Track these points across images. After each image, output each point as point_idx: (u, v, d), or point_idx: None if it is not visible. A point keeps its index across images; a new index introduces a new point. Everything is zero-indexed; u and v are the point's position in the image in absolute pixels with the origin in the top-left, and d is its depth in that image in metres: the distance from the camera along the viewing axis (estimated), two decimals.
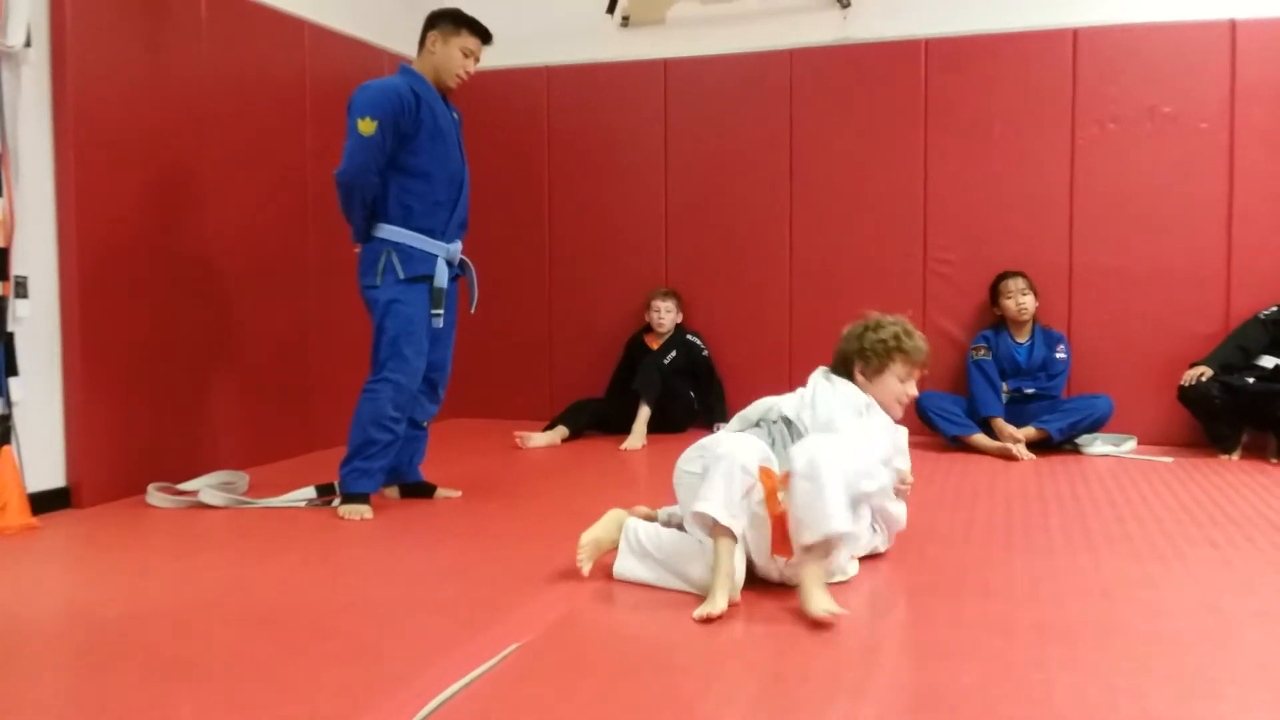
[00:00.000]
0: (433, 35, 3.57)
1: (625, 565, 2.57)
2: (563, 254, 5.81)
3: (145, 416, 3.81)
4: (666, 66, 5.57)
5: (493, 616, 2.31)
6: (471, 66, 3.64)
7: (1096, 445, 4.71)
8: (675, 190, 5.60)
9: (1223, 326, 4.79)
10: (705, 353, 5.40)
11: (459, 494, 3.76)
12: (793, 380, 5.29)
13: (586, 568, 2.55)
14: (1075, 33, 4.98)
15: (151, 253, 3.85)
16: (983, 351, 4.91)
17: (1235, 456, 4.53)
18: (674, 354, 5.30)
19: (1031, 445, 4.64)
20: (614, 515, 2.66)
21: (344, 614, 2.36)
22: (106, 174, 3.65)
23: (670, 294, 5.44)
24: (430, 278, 3.53)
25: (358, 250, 3.59)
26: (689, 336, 5.40)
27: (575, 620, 2.33)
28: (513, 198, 5.86)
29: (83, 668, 2.09)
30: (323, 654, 2.10)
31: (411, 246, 3.49)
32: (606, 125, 5.69)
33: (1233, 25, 4.78)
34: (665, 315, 5.36)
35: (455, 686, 1.87)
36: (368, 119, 3.37)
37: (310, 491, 3.63)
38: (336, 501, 3.53)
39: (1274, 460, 4.43)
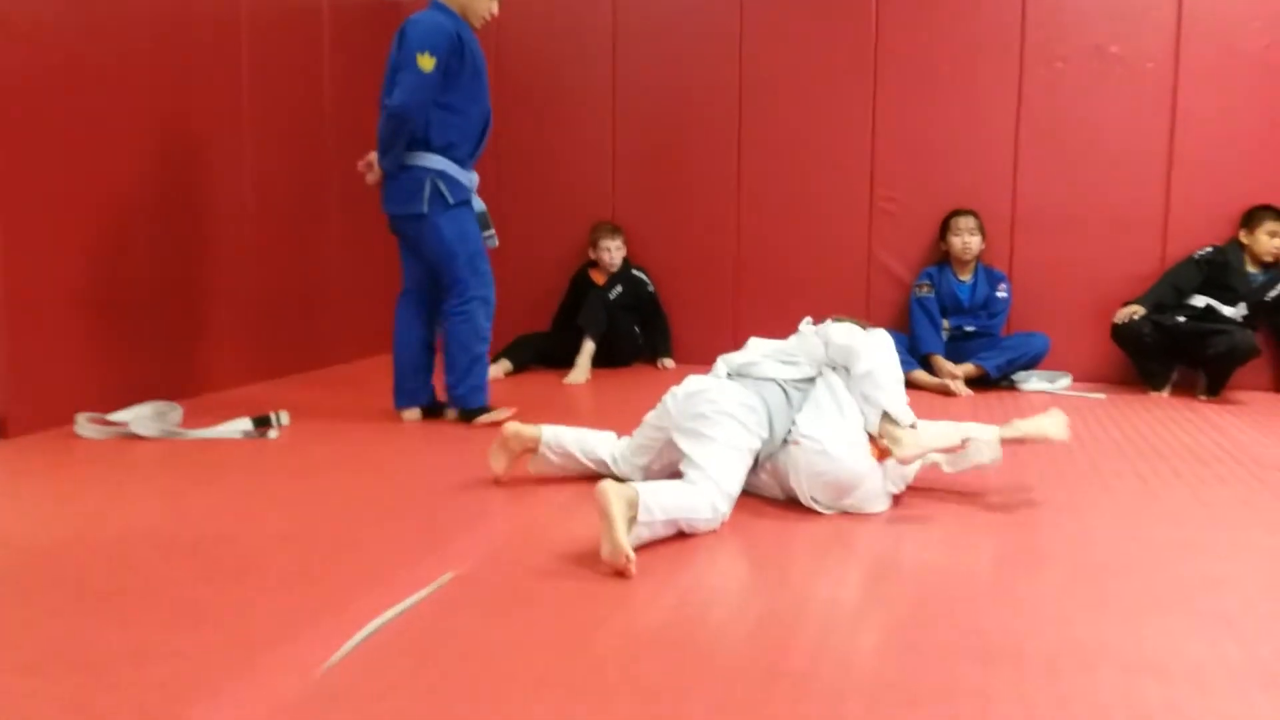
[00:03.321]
0: None
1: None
2: (508, 187, 5.70)
3: (75, 345, 3.70)
4: (615, 1, 5.45)
5: (428, 547, 2.30)
6: (496, 8, 3.79)
7: (1032, 382, 4.79)
8: (623, 125, 5.52)
9: (1159, 267, 4.87)
10: (651, 288, 5.38)
11: (511, 412, 3.77)
12: (737, 315, 5.36)
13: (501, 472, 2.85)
14: None
15: (80, 178, 3.70)
16: (925, 289, 4.94)
17: (1165, 393, 4.64)
18: (620, 289, 5.26)
19: (970, 382, 4.70)
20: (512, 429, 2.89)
21: (276, 545, 2.34)
22: (24, 99, 3.48)
23: (618, 231, 5.39)
24: (469, 202, 3.75)
25: (374, 180, 3.76)
26: (635, 272, 5.37)
27: (510, 551, 2.32)
28: None
29: (2, 597, 2.04)
30: (252, 583, 2.07)
31: (452, 175, 3.67)
32: (554, 58, 5.57)
33: None
34: (616, 254, 5.32)
35: (386, 615, 1.86)
36: (427, 54, 3.50)
37: (246, 423, 3.56)
38: (273, 433, 3.51)
39: (1202, 397, 4.54)
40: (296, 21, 4.98)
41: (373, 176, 3.78)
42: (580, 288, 5.39)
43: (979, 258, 4.99)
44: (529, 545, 2.36)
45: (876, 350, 2.74)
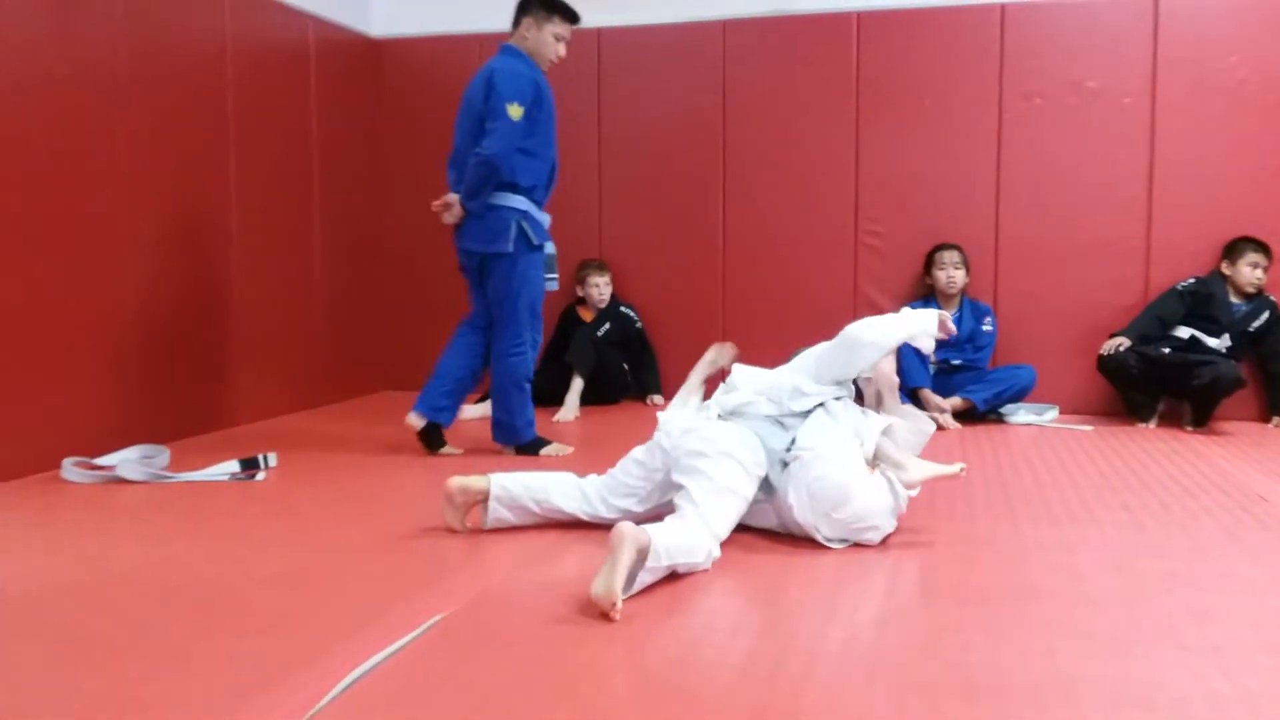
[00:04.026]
0: (527, 20, 3.84)
1: (497, 514, 2.75)
2: None
3: (61, 389, 3.70)
4: (600, 35, 5.51)
5: (417, 589, 2.29)
6: (563, 50, 3.92)
7: (1020, 415, 4.81)
8: (609, 161, 5.57)
9: (1142, 298, 4.91)
10: (639, 324, 5.40)
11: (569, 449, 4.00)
12: None
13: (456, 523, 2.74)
14: (1003, 8, 5.04)
15: (61, 218, 3.71)
16: None
17: (1152, 424, 4.66)
18: (608, 326, 5.29)
19: (957, 415, 4.72)
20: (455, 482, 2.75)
21: (263, 588, 2.32)
22: (9, 139, 3.51)
23: (605, 268, 5.42)
24: (544, 245, 3.90)
25: (453, 219, 3.90)
26: (622, 308, 5.39)
27: (500, 592, 2.32)
28: (443, 167, 5.75)
29: None
30: (239, 628, 2.06)
31: (535, 217, 3.86)
32: None
33: (1155, 1, 4.87)
34: (604, 290, 5.35)
35: (375, 659, 1.85)
36: (516, 105, 3.69)
37: (233, 465, 3.56)
38: (260, 475, 3.51)
39: (1189, 428, 4.56)
40: (282, 60, 5.03)
41: (451, 216, 3.91)
42: (568, 325, 5.41)
43: (964, 291, 5.02)
44: (519, 586, 2.36)
45: (862, 324, 2.91)
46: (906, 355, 4.94)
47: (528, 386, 3.94)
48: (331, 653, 1.88)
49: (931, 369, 4.94)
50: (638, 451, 2.78)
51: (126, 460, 3.53)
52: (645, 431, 4.25)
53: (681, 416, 2.82)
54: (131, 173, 4.03)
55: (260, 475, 3.54)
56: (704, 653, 1.97)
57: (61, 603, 2.22)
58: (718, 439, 2.58)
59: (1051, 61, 5.00)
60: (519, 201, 3.81)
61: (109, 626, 2.08)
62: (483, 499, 2.75)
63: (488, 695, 1.73)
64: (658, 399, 5.33)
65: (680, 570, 2.34)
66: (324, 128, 5.28)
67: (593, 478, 2.85)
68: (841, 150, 5.25)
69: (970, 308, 5.02)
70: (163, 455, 3.68)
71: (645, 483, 2.73)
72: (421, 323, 5.85)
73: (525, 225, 3.81)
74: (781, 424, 2.74)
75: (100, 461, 3.57)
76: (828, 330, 5.09)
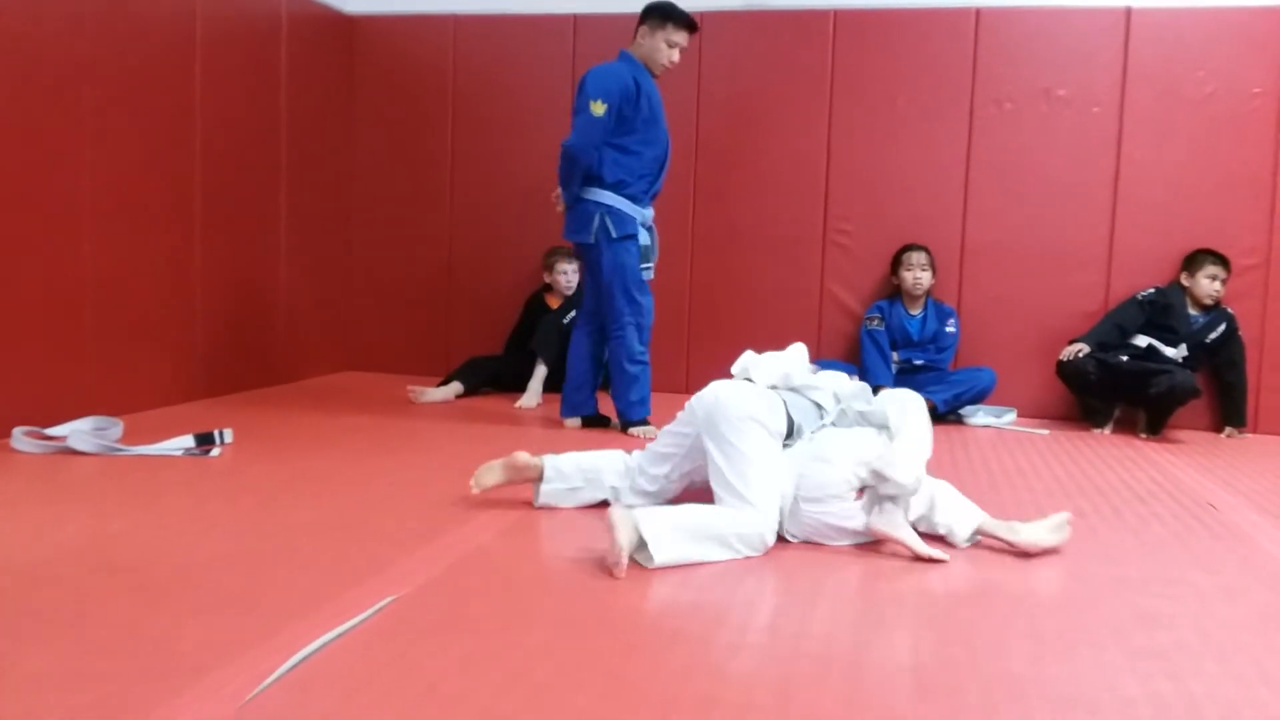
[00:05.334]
0: (642, 29, 4.07)
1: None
2: (464, 209, 5.71)
3: (12, 357, 3.62)
4: (576, 22, 5.48)
5: (370, 570, 2.27)
6: (676, 56, 4.12)
7: (979, 416, 4.86)
8: None
9: (1102, 306, 4.97)
10: None
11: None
12: (691, 343, 5.37)
13: (477, 489, 2.82)
14: (978, 12, 5.06)
15: (19, 185, 3.63)
16: (876, 322, 5.00)
17: (1107, 430, 4.72)
18: (574, 314, 5.24)
19: None
20: (516, 458, 2.86)
21: (213, 566, 2.29)
22: None
23: (573, 255, 5.39)
24: (635, 236, 4.07)
25: (561, 209, 4.19)
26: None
27: (455, 575, 2.30)
28: (415, 149, 5.73)
29: None
30: (186, 606, 2.03)
31: (621, 210, 4.04)
32: (513, 79, 5.58)
33: (1128, 13, 4.92)
34: (572, 277, 5.33)
35: (324, 639, 1.83)
36: (599, 101, 3.92)
37: (188, 440, 3.51)
38: (215, 451, 3.46)
39: (1143, 435, 4.63)
40: (252, 34, 4.95)
41: (561, 205, 4.19)
42: (534, 311, 5.38)
43: (929, 293, 5.06)
44: (474, 568, 2.34)
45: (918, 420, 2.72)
46: (869, 353, 4.99)
47: (632, 367, 4.11)
48: (281, 632, 1.86)
49: (894, 368, 4.97)
50: (673, 423, 2.83)
51: (78, 431, 3.47)
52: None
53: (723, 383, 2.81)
54: (94, 145, 3.95)
55: (215, 451, 3.49)
56: (655, 640, 1.97)
57: (7, 575, 2.18)
58: (742, 404, 2.60)
59: (1024, 67, 5.03)
60: (605, 196, 4.03)
61: (54, 600, 2.04)
62: (536, 476, 2.85)
63: (438, 678, 1.71)
64: None
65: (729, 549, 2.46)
66: (294, 103, 5.21)
67: (637, 452, 2.92)
68: (813, 148, 5.26)
69: (935, 309, 5.06)
70: (116, 427, 3.61)
71: (681, 447, 2.77)
72: (386, 303, 5.81)
73: (608, 218, 4.02)
74: (818, 406, 2.81)
75: (51, 432, 3.51)
76: (794, 327, 5.17)
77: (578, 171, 4.01)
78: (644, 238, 4.12)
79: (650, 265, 4.17)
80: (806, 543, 2.63)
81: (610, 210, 4.04)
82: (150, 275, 4.30)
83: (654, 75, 4.12)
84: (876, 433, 2.76)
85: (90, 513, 2.72)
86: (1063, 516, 2.67)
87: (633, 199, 4.07)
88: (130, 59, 4.12)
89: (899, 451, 2.56)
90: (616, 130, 4.00)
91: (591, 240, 4.07)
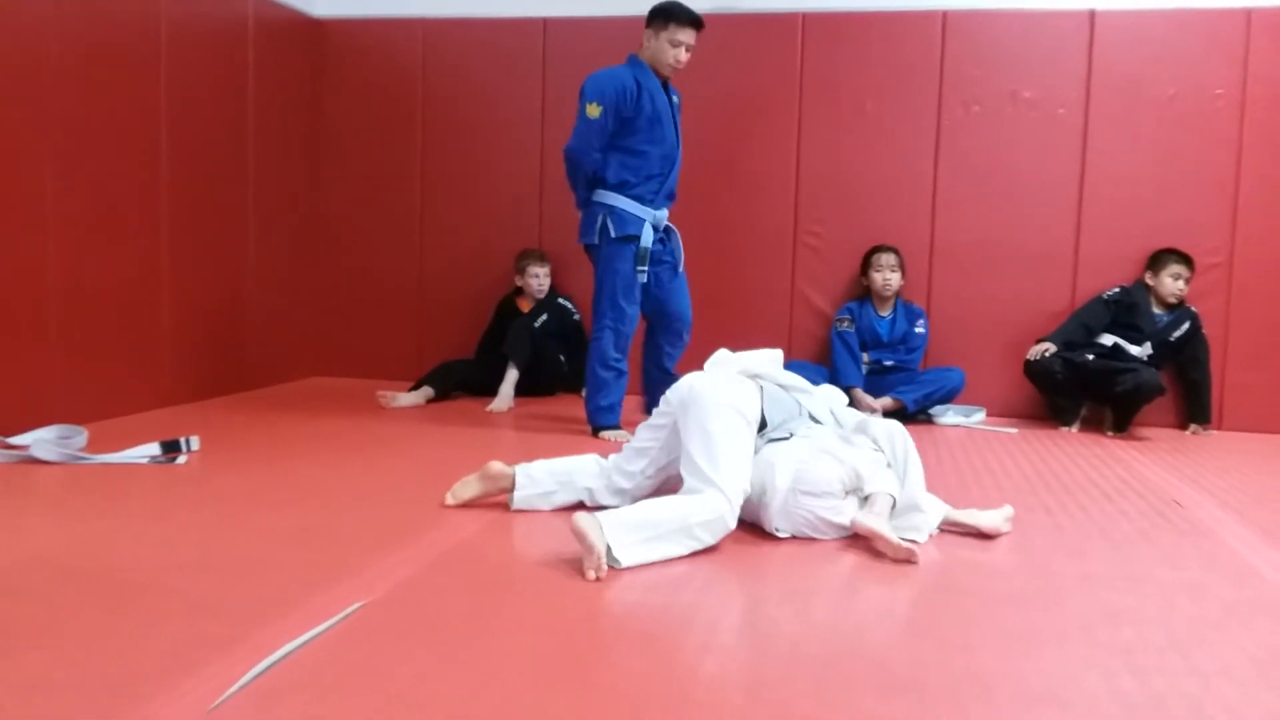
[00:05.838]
0: (648, 31, 4.09)
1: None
2: (434, 212, 5.69)
3: None
4: (546, 25, 5.48)
5: (339, 575, 2.26)
6: (683, 55, 4.11)
7: (948, 416, 4.89)
8: (550, 153, 5.50)
9: (1069, 305, 5.03)
10: (576, 316, 5.38)
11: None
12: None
13: (454, 502, 2.86)
14: (945, 15, 5.10)
15: None
16: (846, 323, 5.03)
17: (1074, 429, 4.77)
18: (545, 317, 5.25)
19: (887, 414, 4.77)
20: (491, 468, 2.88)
21: (179, 572, 2.27)
22: None
23: (545, 258, 5.39)
24: (637, 238, 4.04)
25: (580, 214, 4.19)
26: (561, 300, 5.37)
27: (425, 579, 2.29)
28: (384, 152, 5.70)
29: None
30: (152, 612, 2.00)
31: (624, 210, 4.05)
32: (482, 82, 5.57)
33: (1092, 16, 4.97)
34: (544, 280, 5.32)
35: (292, 645, 1.82)
36: (594, 104, 3.97)
37: (154, 448, 3.47)
38: (182, 458, 3.43)
39: (1109, 433, 4.68)
40: (219, 37, 4.91)
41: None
42: (505, 315, 5.37)
43: (899, 294, 5.09)
44: (443, 574, 2.33)
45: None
46: (840, 354, 5.01)
47: (604, 373, 4.09)
48: (248, 639, 1.84)
49: (864, 369, 5.00)
50: (649, 419, 2.87)
51: (41, 440, 3.42)
52: (579, 424, 4.24)
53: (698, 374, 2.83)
54: (58, 150, 3.90)
55: (182, 459, 3.45)
56: (626, 641, 1.97)
57: None
58: (715, 392, 2.62)
59: (990, 70, 5.08)
60: (609, 197, 4.06)
61: (18, 608, 2.01)
62: (510, 486, 2.86)
63: (407, 683, 1.70)
64: None
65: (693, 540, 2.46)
66: (261, 107, 5.17)
67: (613, 455, 2.93)
68: (783, 150, 5.28)
69: (904, 310, 5.09)
70: (80, 436, 3.57)
71: (658, 439, 2.79)
72: (355, 308, 5.78)
73: (609, 219, 4.04)
74: (799, 403, 2.88)
75: (14, 441, 3.46)
76: (765, 328, 5.18)
77: (580, 174, 4.06)
78: (645, 240, 4.09)
79: (644, 270, 4.12)
80: (792, 538, 2.65)
81: (613, 211, 4.06)
82: (116, 280, 4.25)
83: (666, 78, 4.15)
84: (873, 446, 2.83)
85: (55, 521, 2.69)
86: (1008, 510, 2.87)
87: (640, 200, 4.08)
88: (94, 62, 4.08)
89: (910, 485, 2.76)
90: (620, 132, 4.03)
91: (595, 241, 4.10)
